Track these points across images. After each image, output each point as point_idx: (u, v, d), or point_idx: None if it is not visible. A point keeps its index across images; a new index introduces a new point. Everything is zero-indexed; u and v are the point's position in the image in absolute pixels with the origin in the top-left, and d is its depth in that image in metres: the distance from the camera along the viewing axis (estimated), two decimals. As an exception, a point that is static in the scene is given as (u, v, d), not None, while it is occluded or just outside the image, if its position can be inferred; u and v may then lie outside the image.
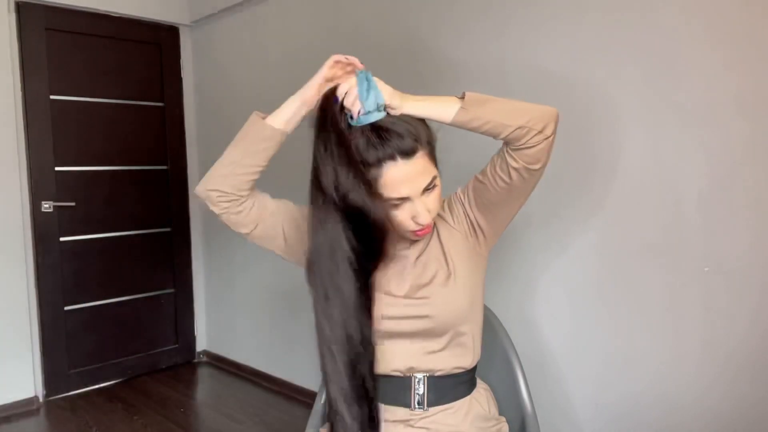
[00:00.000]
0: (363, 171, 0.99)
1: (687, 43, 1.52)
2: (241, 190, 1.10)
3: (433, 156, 1.06)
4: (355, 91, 1.00)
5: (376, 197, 1.00)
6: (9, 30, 2.75)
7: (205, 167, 3.38)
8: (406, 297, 1.12)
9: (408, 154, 1.00)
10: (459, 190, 1.18)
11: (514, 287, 1.94)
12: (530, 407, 1.32)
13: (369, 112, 0.99)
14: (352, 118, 1.01)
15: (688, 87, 1.53)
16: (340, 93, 1.01)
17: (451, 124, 1.03)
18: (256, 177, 1.11)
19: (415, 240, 1.14)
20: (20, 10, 2.80)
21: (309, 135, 1.04)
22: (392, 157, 0.99)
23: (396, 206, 1.04)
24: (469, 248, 1.16)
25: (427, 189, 1.05)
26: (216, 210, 1.11)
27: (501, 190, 1.08)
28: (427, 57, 2.13)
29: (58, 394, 2.99)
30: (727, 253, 1.49)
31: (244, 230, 1.14)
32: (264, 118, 1.09)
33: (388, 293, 1.13)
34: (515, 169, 1.04)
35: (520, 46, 1.87)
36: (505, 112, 1.01)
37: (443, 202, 1.19)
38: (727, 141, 1.48)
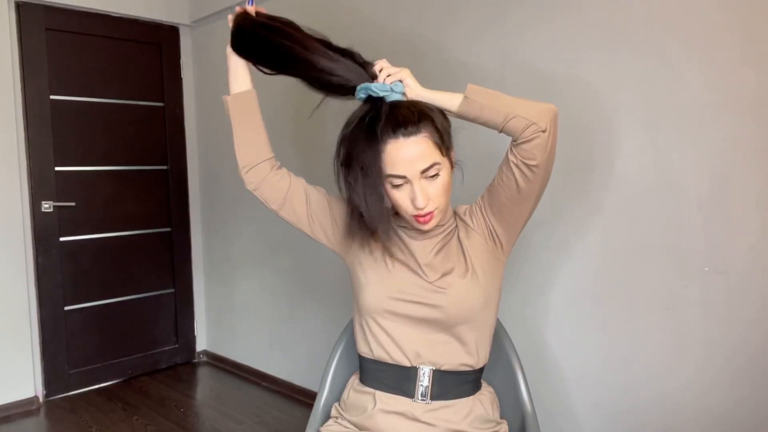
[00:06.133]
0: (370, 143, 1.06)
1: (687, 43, 1.53)
2: (263, 153, 1.23)
3: (440, 145, 1.09)
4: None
5: (378, 172, 1.07)
6: (9, 30, 2.75)
7: (206, 167, 3.41)
8: (432, 283, 1.16)
9: (408, 133, 1.06)
10: (478, 198, 1.23)
11: (514, 287, 1.94)
12: (530, 407, 1.33)
13: (386, 90, 1.09)
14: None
15: (688, 87, 1.53)
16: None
17: (458, 113, 1.11)
18: (265, 136, 1.24)
19: (424, 230, 1.16)
20: (20, 10, 2.80)
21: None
22: (394, 133, 1.06)
23: (397, 186, 1.09)
24: (488, 251, 1.19)
25: (427, 174, 1.08)
26: (251, 187, 1.24)
27: (508, 190, 1.12)
28: (428, 56, 2.14)
29: (58, 394, 2.99)
30: (727, 253, 1.49)
31: (274, 206, 1.24)
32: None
33: (417, 274, 1.17)
34: (515, 164, 1.09)
35: (519, 46, 1.87)
36: (504, 103, 1.08)
37: (465, 209, 1.24)
38: (727, 141, 1.48)
